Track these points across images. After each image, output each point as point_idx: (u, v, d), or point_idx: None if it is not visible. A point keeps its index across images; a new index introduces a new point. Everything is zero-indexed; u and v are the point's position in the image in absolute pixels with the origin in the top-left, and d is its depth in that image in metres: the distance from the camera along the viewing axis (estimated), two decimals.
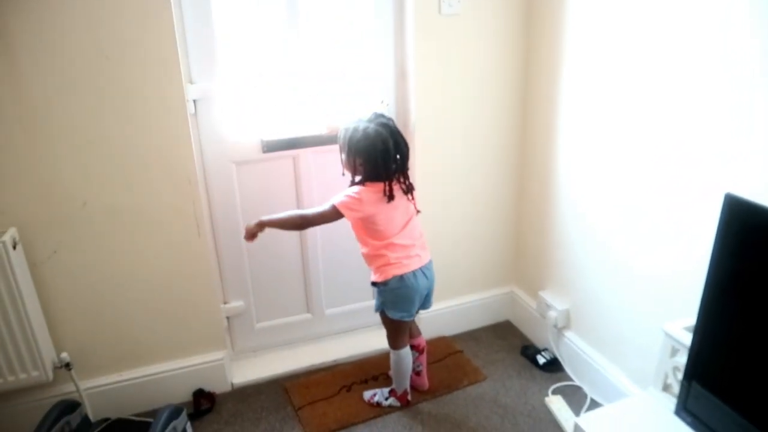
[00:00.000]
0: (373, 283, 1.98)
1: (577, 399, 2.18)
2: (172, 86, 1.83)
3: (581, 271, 2.21)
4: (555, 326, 2.35)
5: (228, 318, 2.30)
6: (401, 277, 1.90)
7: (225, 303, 2.28)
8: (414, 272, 1.92)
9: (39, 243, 1.84)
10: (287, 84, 2.11)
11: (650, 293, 1.86)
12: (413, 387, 2.20)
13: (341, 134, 1.86)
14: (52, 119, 1.74)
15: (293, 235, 2.29)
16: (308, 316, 2.46)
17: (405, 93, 2.22)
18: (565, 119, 2.16)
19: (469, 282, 2.59)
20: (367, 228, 1.90)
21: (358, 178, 1.89)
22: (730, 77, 1.48)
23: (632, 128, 1.84)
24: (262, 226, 1.91)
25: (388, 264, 1.90)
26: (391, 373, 2.14)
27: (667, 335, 1.52)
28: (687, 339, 1.43)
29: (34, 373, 1.87)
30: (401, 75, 2.21)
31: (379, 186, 1.83)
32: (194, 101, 1.96)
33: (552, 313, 2.35)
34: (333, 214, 1.85)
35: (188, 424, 1.93)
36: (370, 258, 1.95)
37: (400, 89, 2.23)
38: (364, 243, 1.95)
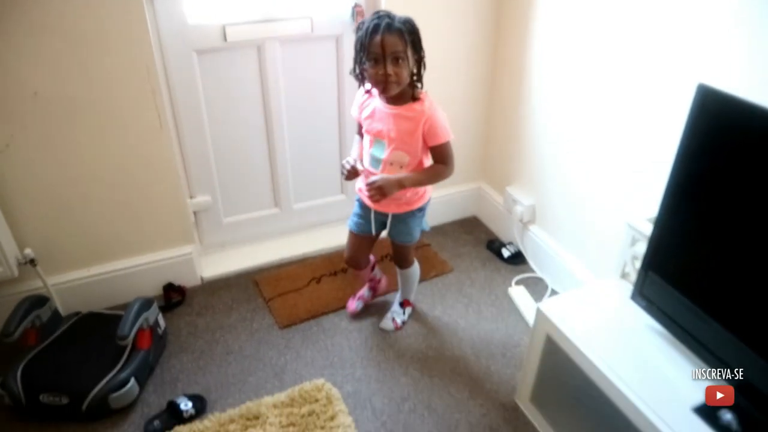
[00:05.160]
0: (421, 208, 1.82)
1: (539, 290, 2.27)
2: None
3: (548, 167, 2.23)
4: (520, 221, 2.40)
5: (195, 213, 2.28)
6: None
7: (191, 197, 2.24)
8: None
9: None
10: None
11: (614, 189, 1.89)
12: (383, 293, 2.24)
13: (401, 25, 1.49)
14: None
15: (259, 127, 2.23)
16: (276, 210, 2.46)
17: None
18: (540, 13, 2.08)
19: None
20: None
21: (395, 87, 1.55)
22: None
23: (604, 21, 1.79)
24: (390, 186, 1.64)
25: None
26: (404, 288, 2.09)
27: (630, 226, 1.57)
28: (647, 229, 1.48)
29: None
30: None
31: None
32: None
33: (518, 208, 2.39)
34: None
35: (160, 315, 1.95)
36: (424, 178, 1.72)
37: None
38: (422, 162, 1.71)
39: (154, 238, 2.15)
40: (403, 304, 2.12)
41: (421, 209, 1.82)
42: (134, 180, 2.00)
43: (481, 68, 2.41)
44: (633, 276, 1.59)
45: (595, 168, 1.97)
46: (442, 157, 1.67)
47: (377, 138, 1.69)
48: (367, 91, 1.69)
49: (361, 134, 1.79)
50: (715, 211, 1.24)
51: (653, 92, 1.67)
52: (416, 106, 1.61)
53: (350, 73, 1.64)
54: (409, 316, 2.13)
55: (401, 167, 1.68)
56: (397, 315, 2.10)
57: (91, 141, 1.87)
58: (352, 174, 1.69)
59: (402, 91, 1.58)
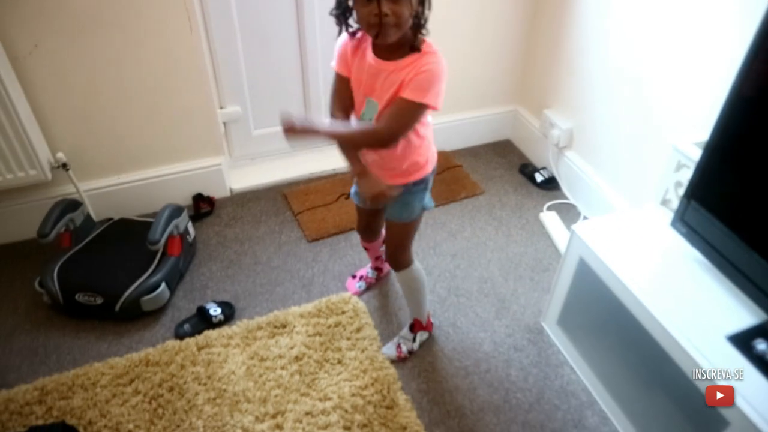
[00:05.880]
0: (419, 181, 1.44)
1: (570, 216, 2.23)
2: None
3: (590, 89, 2.12)
4: (556, 145, 2.33)
5: (225, 123, 2.25)
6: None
7: (221, 108, 2.20)
8: None
9: (17, 36, 1.71)
10: None
11: (659, 115, 1.80)
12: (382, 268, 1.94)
13: None
14: None
15: (292, 38, 2.15)
16: None
17: None
18: None
19: (473, 99, 2.51)
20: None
21: (393, 31, 1.16)
22: None
23: None
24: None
25: (428, 141, 1.42)
26: (408, 300, 1.70)
27: (676, 149, 1.49)
28: (694, 154, 1.41)
29: (32, 172, 1.88)
30: None
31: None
32: None
33: (555, 132, 2.31)
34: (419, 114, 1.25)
35: (189, 223, 1.97)
36: (413, 154, 1.38)
37: None
38: (410, 139, 1.34)
39: (184, 147, 2.14)
40: (414, 327, 1.70)
41: (420, 183, 1.45)
42: (164, 87, 1.96)
43: None
44: (674, 203, 1.53)
45: (643, 89, 1.87)
46: (394, 115, 1.23)
47: (368, 97, 1.31)
48: (352, 34, 1.29)
49: (342, 94, 1.37)
50: None
51: (715, 6, 1.54)
52: (418, 59, 1.21)
53: (330, 14, 1.26)
54: (422, 343, 1.72)
55: None
56: (404, 342, 1.70)
57: (119, 43, 1.83)
58: (289, 128, 1.25)
59: (401, 38, 1.19)
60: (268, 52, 2.15)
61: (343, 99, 1.36)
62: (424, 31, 1.22)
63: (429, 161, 1.44)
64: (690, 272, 1.38)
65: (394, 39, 1.18)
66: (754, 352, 1.18)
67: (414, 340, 1.70)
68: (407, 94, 1.20)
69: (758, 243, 1.20)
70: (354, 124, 1.33)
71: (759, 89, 1.18)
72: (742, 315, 1.26)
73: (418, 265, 1.60)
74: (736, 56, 1.18)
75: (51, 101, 1.86)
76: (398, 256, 1.57)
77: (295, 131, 1.25)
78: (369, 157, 1.39)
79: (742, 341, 1.20)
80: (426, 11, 1.20)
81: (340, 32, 1.28)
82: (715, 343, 1.20)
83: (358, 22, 1.22)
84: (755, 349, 1.18)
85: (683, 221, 1.38)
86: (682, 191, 1.41)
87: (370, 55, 1.26)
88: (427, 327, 1.73)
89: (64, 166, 1.93)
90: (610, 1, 1.93)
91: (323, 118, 1.32)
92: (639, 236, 1.50)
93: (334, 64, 1.35)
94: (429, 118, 1.37)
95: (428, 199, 1.51)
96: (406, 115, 1.23)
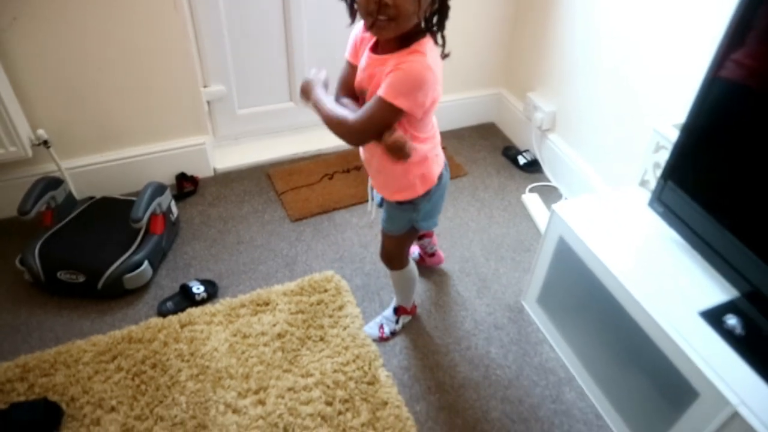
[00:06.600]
0: (405, 202, 1.37)
1: (552, 198, 2.25)
2: None
3: (573, 73, 2.14)
4: (539, 128, 2.35)
5: (209, 102, 2.23)
6: (440, 174, 1.39)
7: (205, 86, 2.19)
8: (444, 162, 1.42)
9: None
10: None
11: (640, 97, 1.82)
12: (430, 266, 1.93)
13: None
14: None
15: (277, 18, 2.13)
16: (291, 104, 2.40)
17: None
18: None
19: (458, 82, 2.52)
20: (414, 120, 1.22)
21: (387, 27, 1.09)
22: None
23: None
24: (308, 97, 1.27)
25: (429, 164, 1.33)
26: (396, 291, 1.69)
27: (656, 131, 1.52)
28: (673, 135, 1.43)
29: (12, 149, 1.85)
30: None
31: (430, 40, 1.17)
32: None
33: (538, 115, 2.33)
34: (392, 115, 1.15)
35: (172, 202, 1.97)
36: (404, 173, 1.31)
37: None
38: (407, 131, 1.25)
39: (167, 126, 2.13)
40: (398, 311, 1.72)
41: (410, 204, 1.37)
42: (146, 64, 1.94)
43: None
44: (652, 184, 1.55)
45: (624, 73, 1.89)
46: (365, 110, 1.16)
47: (362, 90, 1.26)
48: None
49: (349, 83, 1.30)
50: (748, 123, 1.19)
51: None
52: (402, 55, 1.13)
53: None
54: (404, 325, 1.74)
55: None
56: (386, 323, 1.71)
57: (102, 21, 1.80)
58: (303, 91, 1.27)
59: (404, 35, 1.13)
60: (253, 31, 2.14)
61: (350, 89, 1.30)
62: (439, 35, 1.16)
63: (425, 182, 1.34)
64: (666, 251, 1.41)
65: (389, 35, 1.11)
66: (724, 327, 1.21)
67: (397, 322, 1.72)
68: (380, 90, 1.12)
69: (730, 222, 1.24)
70: (341, 106, 1.26)
71: (732, 72, 1.20)
72: (715, 292, 1.29)
73: (413, 265, 1.60)
74: (715, 39, 1.20)
75: (31, 77, 1.83)
76: (391, 261, 1.56)
77: (305, 95, 1.26)
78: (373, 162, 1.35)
79: (714, 317, 1.23)
80: (444, 14, 1.13)
81: (352, 21, 1.23)
82: (689, 318, 1.24)
83: (357, 8, 1.13)
84: (725, 324, 1.21)
85: (660, 201, 1.41)
86: (659, 172, 1.44)
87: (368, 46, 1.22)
88: (411, 311, 1.74)
89: (45, 143, 1.91)
90: None
91: (328, 93, 1.28)
92: (617, 216, 1.53)
93: (347, 54, 1.31)
94: (429, 145, 1.30)
95: (423, 220, 1.42)
96: (374, 113, 1.15)
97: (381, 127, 1.17)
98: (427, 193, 1.36)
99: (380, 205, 1.51)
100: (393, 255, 1.54)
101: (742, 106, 1.20)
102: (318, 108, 1.24)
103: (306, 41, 2.23)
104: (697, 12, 1.56)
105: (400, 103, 1.12)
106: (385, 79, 1.12)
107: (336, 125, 1.20)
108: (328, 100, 1.24)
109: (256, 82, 2.28)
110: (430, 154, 1.32)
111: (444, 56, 1.19)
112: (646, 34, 1.76)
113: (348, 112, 1.20)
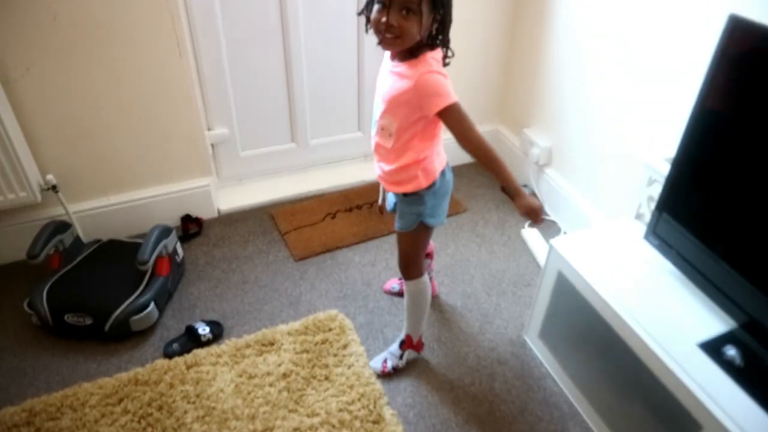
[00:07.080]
0: (410, 194, 1.48)
1: (551, 233, 2.28)
2: None
3: (567, 108, 2.20)
4: (536, 163, 2.39)
5: (213, 145, 2.29)
6: (443, 171, 1.49)
7: (209, 129, 2.25)
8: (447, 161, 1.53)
9: (9, 60, 1.75)
10: None
11: (634, 131, 1.87)
12: None
13: None
14: None
15: (278, 60, 2.21)
16: (293, 145, 2.46)
17: None
18: None
19: None
20: (425, 126, 1.36)
21: (394, 44, 1.27)
22: None
23: None
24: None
25: (430, 160, 1.44)
26: (407, 313, 1.68)
27: (647, 166, 1.56)
28: (665, 169, 1.47)
29: (22, 194, 1.90)
30: None
31: (438, 53, 1.33)
32: None
33: (534, 151, 2.38)
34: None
35: (178, 243, 2.00)
36: (407, 168, 1.42)
37: None
38: (405, 150, 1.39)
39: (173, 169, 2.18)
40: (404, 344, 1.72)
41: (416, 196, 1.47)
42: (153, 109, 2.00)
43: (502, 6, 2.35)
44: (647, 217, 1.59)
45: (615, 110, 1.94)
46: (453, 123, 1.30)
47: (377, 95, 1.42)
48: None
49: None
50: (737, 153, 1.23)
51: (677, 29, 1.62)
52: (412, 65, 1.29)
53: (358, 14, 1.37)
54: (408, 361, 1.74)
55: (390, 135, 1.38)
56: (390, 357, 1.73)
57: (110, 67, 1.87)
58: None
59: (410, 48, 1.29)
60: (255, 76, 2.21)
61: None
62: (446, 50, 1.33)
63: (427, 174, 1.44)
64: (664, 283, 1.43)
65: (395, 49, 1.29)
66: (723, 358, 1.23)
67: (401, 357, 1.72)
68: (437, 106, 1.26)
69: (725, 252, 1.26)
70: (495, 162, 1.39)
71: (719, 104, 1.24)
72: (713, 323, 1.31)
73: (426, 280, 1.62)
74: (699, 73, 1.25)
75: (41, 123, 1.89)
76: (407, 265, 1.59)
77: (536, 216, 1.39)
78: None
79: (713, 348, 1.25)
80: (446, 32, 1.30)
81: (367, 32, 1.36)
82: (688, 350, 1.25)
83: (371, 25, 1.30)
84: (725, 355, 1.23)
85: (655, 234, 1.44)
86: (654, 205, 1.47)
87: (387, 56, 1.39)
88: (417, 346, 1.74)
89: (54, 188, 1.96)
90: (584, 24, 2.02)
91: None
92: (614, 249, 1.56)
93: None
94: (432, 143, 1.41)
95: (430, 215, 1.50)
96: (461, 116, 1.29)
97: (467, 123, 1.31)
98: (432, 186, 1.46)
99: (393, 209, 1.61)
100: (410, 257, 1.58)
101: (731, 134, 1.24)
102: (501, 175, 1.40)
103: (306, 84, 2.30)
104: (687, 47, 1.62)
105: (454, 97, 1.27)
106: (426, 100, 1.27)
107: (487, 159, 1.37)
108: (502, 172, 1.40)
109: (258, 125, 2.34)
110: (431, 151, 1.43)
111: (445, 64, 1.34)
112: (635, 70, 1.81)
113: (476, 135, 1.33)
